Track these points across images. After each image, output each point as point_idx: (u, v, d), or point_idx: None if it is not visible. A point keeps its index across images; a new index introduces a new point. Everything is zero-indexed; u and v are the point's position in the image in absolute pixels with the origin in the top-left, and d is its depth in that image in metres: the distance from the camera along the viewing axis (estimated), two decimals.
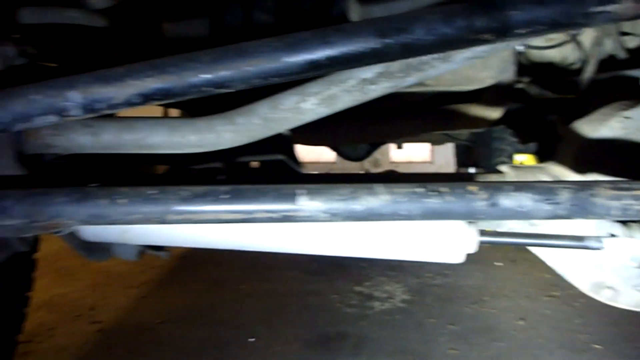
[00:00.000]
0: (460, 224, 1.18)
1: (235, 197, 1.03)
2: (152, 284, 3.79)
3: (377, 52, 0.93)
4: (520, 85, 2.33)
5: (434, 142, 7.29)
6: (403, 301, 3.37)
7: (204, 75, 0.93)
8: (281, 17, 2.13)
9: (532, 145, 3.35)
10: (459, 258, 1.20)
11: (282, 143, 1.60)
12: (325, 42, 0.92)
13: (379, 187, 1.03)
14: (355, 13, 1.85)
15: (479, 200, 1.00)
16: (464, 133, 5.17)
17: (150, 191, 1.04)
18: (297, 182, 1.09)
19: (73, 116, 0.96)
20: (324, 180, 1.82)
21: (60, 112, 0.95)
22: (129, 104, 0.95)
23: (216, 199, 1.03)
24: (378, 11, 1.69)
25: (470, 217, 1.03)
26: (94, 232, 1.38)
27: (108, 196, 1.03)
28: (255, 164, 1.83)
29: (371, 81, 1.13)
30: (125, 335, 2.88)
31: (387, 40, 0.92)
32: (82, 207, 1.03)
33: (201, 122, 1.15)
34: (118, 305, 3.35)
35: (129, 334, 2.91)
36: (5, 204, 1.03)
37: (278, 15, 2.12)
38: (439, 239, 1.18)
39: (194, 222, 1.06)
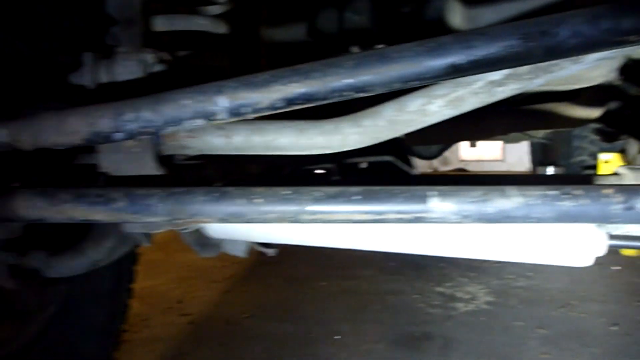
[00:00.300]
0: (590, 227, 1.16)
1: (367, 198, 1.05)
2: (234, 279, 3.90)
3: (520, 55, 0.93)
4: (617, 83, 2.26)
5: (508, 140, 7.13)
6: (487, 303, 3.32)
7: (346, 80, 0.95)
8: (377, 21, 2.15)
9: (619, 144, 3.23)
10: (588, 262, 1.18)
11: (393, 143, 1.61)
12: (468, 46, 0.92)
13: (511, 190, 1.03)
14: (457, 15, 1.84)
15: (614, 204, 0.98)
16: (542, 131, 5.03)
17: (285, 191, 1.07)
18: (407, 183, 1.10)
19: (219, 120, 1.01)
20: (435, 181, 1.82)
21: (209, 116, 1.00)
22: (273, 108, 0.99)
23: (348, 200, 1.05)
24: (488, 13, 1.67)
25: (604, 220, 1.01)
26: (218, 229, 1.44)
27: (245, 196, 1.07)
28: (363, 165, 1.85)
29: (499, 83, 1.12)
30: (215, 329, 2.98)
31: (531, 44, 0.92)
32: (221, 205, 1.08)
33: (328, 125, 1.18)
34: (205, 299, 3.46)
35: (218, 327, 3.00)
36: (149, 202, 1.09)
37: (374, 18, 2.14)
38: (570, 242, 1.16)
39: (326, 222, 1.09)
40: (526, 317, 3.07)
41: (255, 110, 0.99)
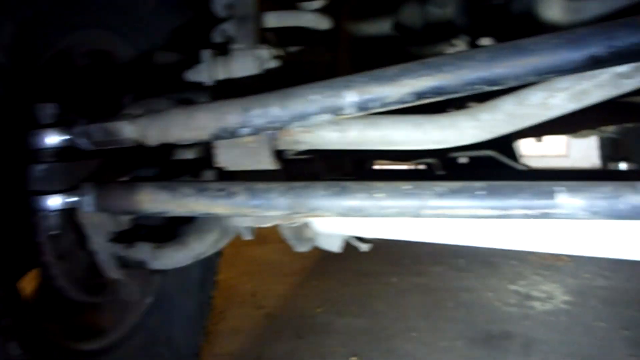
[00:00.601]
0: None
1: (491, 194, 1.03)
2: (304, 273, 3.93)
3: None
4: None
5: (576, 135, 6.90)
6: (565, 302, 3.24)
7: (479, 73, 0.94)
8: (462, 14, 2.11)
9: None
10: None
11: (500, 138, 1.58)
12: (609, 37, 0.89)
13: None
14: (555, 7, 1.78)
15: None
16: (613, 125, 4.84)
17: (406, 186, 1.07)
18: (511, 178, 1.08)
19: (345, 115, 1.02)
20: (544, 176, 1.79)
21: (336, 111, 1.00)
22: (402, 102, 0.98)
23: (472, 195, 1.04)
24: (592, 5, 1.61)
25: None
26: (326, 224, 1.45)
27: (366, 190, 1.07)
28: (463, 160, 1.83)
29: (626, 75, 1.08)
30: (291, 321, 3.01)
31: None
32: (341, 200, 1.08)
33: (444, 119, 1.17)
34: (277, 292, 3.50)
35: (294, 320, 3.03)
36: (270, 196, 1.11)
37: (458, 11, 2.11)
38: None
39: (448, 217, 1.08)
40: (608, 318, 2.97)
41: (383, 105, 0.99)
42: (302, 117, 1.02)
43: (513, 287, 3.51)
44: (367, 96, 0.98)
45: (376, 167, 3.88)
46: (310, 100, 1.00)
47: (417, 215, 1.07)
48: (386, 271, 3.86)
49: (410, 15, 2.21)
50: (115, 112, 1.54)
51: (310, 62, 1.45)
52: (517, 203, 1.02)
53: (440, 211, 1.06)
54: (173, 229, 1.94)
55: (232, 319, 3.05)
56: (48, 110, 1.21)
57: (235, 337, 2.80)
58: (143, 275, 1.68)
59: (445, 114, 1.18)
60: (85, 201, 1.22)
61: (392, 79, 0.97)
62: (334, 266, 4.04)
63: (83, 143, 1.19)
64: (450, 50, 1.33)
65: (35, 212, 1.37)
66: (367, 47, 2.27)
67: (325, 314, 3.12)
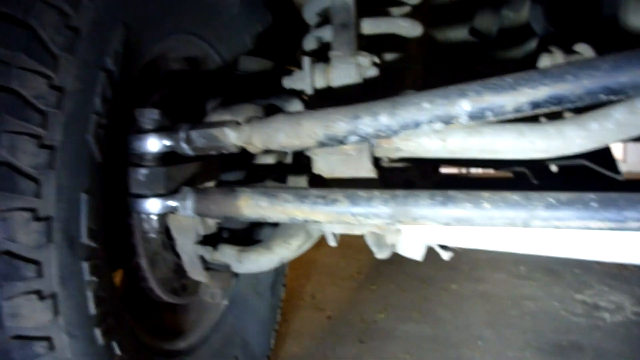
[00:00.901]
0: None
1: (605, 205, 1.00)
2: (361, 276, 3.91)
3: None
4: None
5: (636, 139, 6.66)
6: (635, 314, 3.13)
7: (601, 82, 0.91)
8: (539, 18, 2.06)
9: None
10: None
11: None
12: None
13: None
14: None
15: None
16: None
17: (514, 197, 1.04)
18: (609, 189, 1.04)
19: (456, 124, 1.00)
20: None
21: (448, 119, 0.99)
22: (517, 111, 0.96)
23: (584, 207, 1.01)
24: None
25: None
26: (414, 231, 1.44)
27: (472, 200, 1.05)
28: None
29: None
30: (353, 326, 3.00)
31: None
32: (446, 209, 1.06)
33: (550, 128, 1.14)
34: (336, 296, 3.50)
35: (355, 324, 3.02)
36: (372, 204, 1.10)
37: (534, 16, 2.06)
38: None
39: (558, 229, 1.05)
40: None
41: (497, 114, 0.97)
42: (413, 125, 1.00)
43: (579, 297, 3.41)
44: (481, 105, 0.96)
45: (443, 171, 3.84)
46: (422, 109, 0.99)
47: (525, 226, 1.05)
48: (444, 277, 3.81)
49: (486, 19, 2.17)
50: (200, 117, 1.57)
51: (401, 70, 1.44)
52: (635, 215, 0.98)
53: (550, 223, 1.03)
54: (252, 232, 1.96)
55: (295, 322, 3.06)
56: (150, 115, 1.24)
57: (299, 340, 2.81)
58: (225, 278, 1.70)
59: (550, 123, 1.15)
60: (184, 205, 1.24)
61: (508, 87, 0.95)
62: (390, 270, 4.01)
63: (184, 148, 1.21)
64: (546, 57, 1.29)
65: (132, 214, 1.41)
66: (441, 53, 2.25)
67: (387, 319, 3.10)
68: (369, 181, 1.26)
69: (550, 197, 1.03)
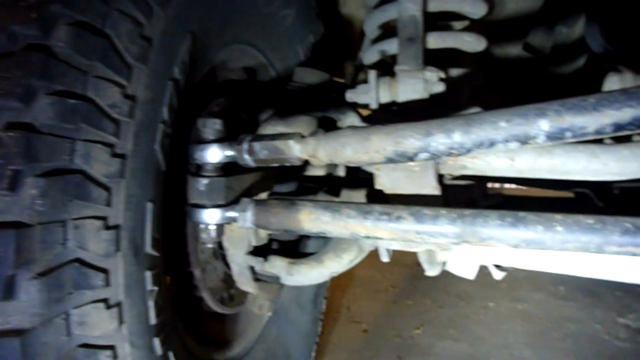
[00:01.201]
0: None
1: None
2: (396, 290, 3.87)
3: None
4: None
5: None
6: None
7: None
8: (595, 35, 2.02)
9: None
10: None
11: None
12: None
13: None
14: None
15: None
16: None
17: (589, 220, 1.01)
18: None
19: (533, 144, 0.97)
20: None
21: (525, 139, 0.96)
22: (598, 133, 0.93)
23: None
24: None
25: None
26: (467, 250, 1.41)
27: (543, 222, 1.02)
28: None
29: None
30: (390, 341, 2.96)
31: None
32: (516, 231, 1.03)
33: (624, 150, 1.10)
34: (372, 309, 3.46)
35: (392, 339, 2.99)
36: (438, 223, 1.07)
37: (590, 32, 2.02)
38: None
39: (635, 255, 1.01)
40: None
41: (576, 135, 0.94)
42: (488, 144, 0.98)
43: (622, 321, 3.32)
44: (561, 125, 0.93)
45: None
46: (498, 128, 0.96)
47: (599, 252, 1.01)
48: (482, 294, 3.74)
49: (540, 35, 2.14)
50: (254, 128, 1.56)
51: (461, 85, 1.42)
52: None
53: (626, 249, 0.99)
54: (298, 243, 1.95)
55: (331, 334, 3.04)
56: (213, 125, 1.23)
57: (337, 354, 2.79)
58: (273, 290, 1.69)
59: (624, 145, 1.11)
60: (243, 217, 1.22)
61: (590, 108, 0.92)
62: (425, 285, 3.95)
63: (246, 159, 1.20)
64: (614, 77, 1.25)
65: (188, 223, 1.40)
66: (492, 68, 2.22)
67: (424, 335, 3.05)
68: (431, 198, 1.23)
69: (627, 222, 0.99)
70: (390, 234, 1.12)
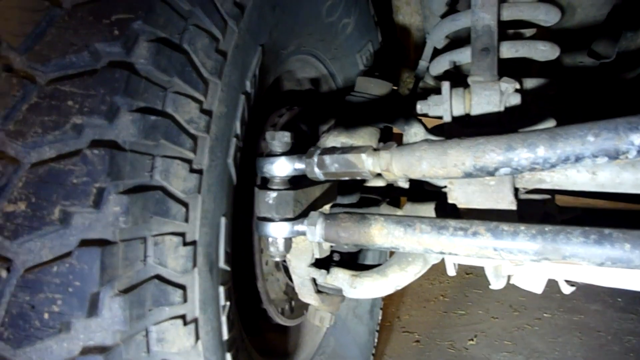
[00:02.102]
0: None
1: None
2: (446, 299, 3.80)
3: None
4: None
5: None
6: None
7: None
8: None
9: None
10: None
11: None
12: None
13: None
14: None
15: None
16: None
17: None
18: None
19: (624, 159, 0.93)
20: None
21: (614, 154, 0.91)
22: None
23: None
24: None
25: None
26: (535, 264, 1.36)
27: (632, 240, 0.97)
28: None
29: None
30: (444, 352, 2.91)
31: None
32: (601, 249, 0.98)
33: None
34: (422, 318, 3.41)
35: (445, 350, 2.93)
36: (517, 239, 1.04)
37: None
38: None
39: None
40: None
41: None
42: (574, 159, 0.93)
43: None
44: None
45: None
46: (586, 142, 0.92)
47: None
48: (536, 305, 3.64)
49: (606, 41, 2.07)
50: (315, 138, 1.55)
51: (540, 96, 1.37)
52: None
53: None
54: (358, 254, 1.92)
55: (383, 343, 3.00)
56: (281, 138, 1.22)
57: None
58: (335, 302, 1.67)
59: None
60: (313, 231, 1.21)
61: None
62: (477, 295, 3.88)
63: (316, 173, 1.18)
64: None
65: (256, 237, 1.40)
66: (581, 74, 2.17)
67: (479, 346, 2.99)
68: (505, 213, 1.19)
69: None
70: (466, 250, 1.08)
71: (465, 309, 3.59)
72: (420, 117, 1.55)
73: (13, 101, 0.87)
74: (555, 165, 0.96)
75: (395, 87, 2.51)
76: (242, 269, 1.45)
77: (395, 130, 1.63)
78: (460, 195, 1.17)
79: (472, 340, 3.06)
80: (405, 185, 1.63)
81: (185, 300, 0.96)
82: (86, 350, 0.85)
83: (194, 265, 0.98)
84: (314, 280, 1.55)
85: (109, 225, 0.85)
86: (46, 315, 0.83)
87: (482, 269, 1.57)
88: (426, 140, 1.06)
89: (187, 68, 0.96)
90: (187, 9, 0.96)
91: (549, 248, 1.03)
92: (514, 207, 1.14)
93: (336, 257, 1.79)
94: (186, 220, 0.96)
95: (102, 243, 0.84)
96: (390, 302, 3.72)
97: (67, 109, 0.85)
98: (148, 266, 0.90)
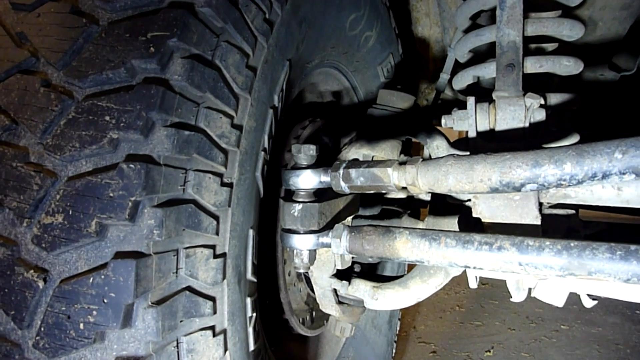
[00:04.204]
0: None
1: None
2: (462, 310, 3.79)
3: None
4: None
5: None
6: None
7: None
8: None
9: None
10: None
11: None
12: None
13: None
14: None
15: None
16: None
17: None
18: None
19: None
20: None
21: None
22: None
23: None
24: None
25: None
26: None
27: None
28: None
29: None
30: None
31: None
32: (627, 265, 0.99)
33: None
34: (439, 329, 3.40)
35: None
36: (543, 254, 1.04)
37: None
38: None
39: None
40: None
41: None
42: (601, 176, 0.94)
43: None
44: None
45: None
46: (614, 159, 0.93)
47: None
48: (553, 316, 3.62)
49: (626, 54, 2.07)
50: (336, 150, 1.56)
51: (564, 111, 1.37)
52: None
53: None
54: (378, 265, 1.93)
55: (399, 353, 2.99)
56: (307, 151, 1.24)
57: None
58: (356, 313, 1.68)
59: None
60: (337, 243, 1.22)
61: None
62: (493, 306, 3.86)
63: (342, 186, 1.19)
64: None
65: (279, 248, 1.41)
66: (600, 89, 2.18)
67: (496, 358, 2.98)
68: (529, 228, 1.20)
69: None
70: (491, 264, 1.09)
71: (481, 320, 3.57)
72: (438, 127, 1.57)
73: (51, 116, 0.90)
74: (581, 182, 0.97)
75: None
76: (265, 280, 1.47)
77: (414, 139, 1.64)
78: (484, 210, 1.18)
79: (489, 351, 3.04)
80: (427, 197, 1.64)
81: (214, 311, 0.97)
82: None
83: (224, 277, 0.99)
84: (335, 291, 1.56)
85: (143, 238, 0.87)
86: (81, 326, 0.85)
87: (498, 279, 1.58)
88: (452, 155, 1.07)
89: (219, 84, 0.98)
90: (219, 25, 0.98)
91: (574, 264, 1.03)
92: (538, 222, 1.14)
93: (357, 268, 1.80)
94: (217, 232, 0.97)
95: (137, 255, 0.86)
96: (407, 312, 3.71)
97: (104, 123, 0.88)
98: (180, 278, 0.92)
